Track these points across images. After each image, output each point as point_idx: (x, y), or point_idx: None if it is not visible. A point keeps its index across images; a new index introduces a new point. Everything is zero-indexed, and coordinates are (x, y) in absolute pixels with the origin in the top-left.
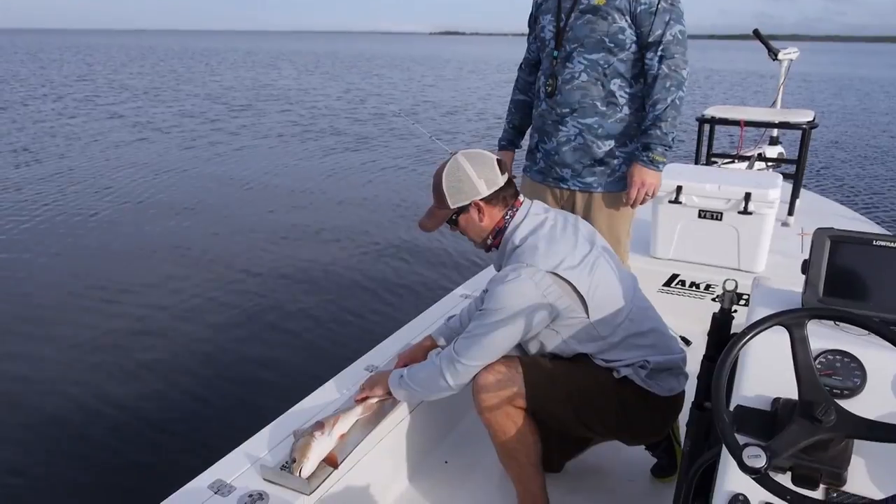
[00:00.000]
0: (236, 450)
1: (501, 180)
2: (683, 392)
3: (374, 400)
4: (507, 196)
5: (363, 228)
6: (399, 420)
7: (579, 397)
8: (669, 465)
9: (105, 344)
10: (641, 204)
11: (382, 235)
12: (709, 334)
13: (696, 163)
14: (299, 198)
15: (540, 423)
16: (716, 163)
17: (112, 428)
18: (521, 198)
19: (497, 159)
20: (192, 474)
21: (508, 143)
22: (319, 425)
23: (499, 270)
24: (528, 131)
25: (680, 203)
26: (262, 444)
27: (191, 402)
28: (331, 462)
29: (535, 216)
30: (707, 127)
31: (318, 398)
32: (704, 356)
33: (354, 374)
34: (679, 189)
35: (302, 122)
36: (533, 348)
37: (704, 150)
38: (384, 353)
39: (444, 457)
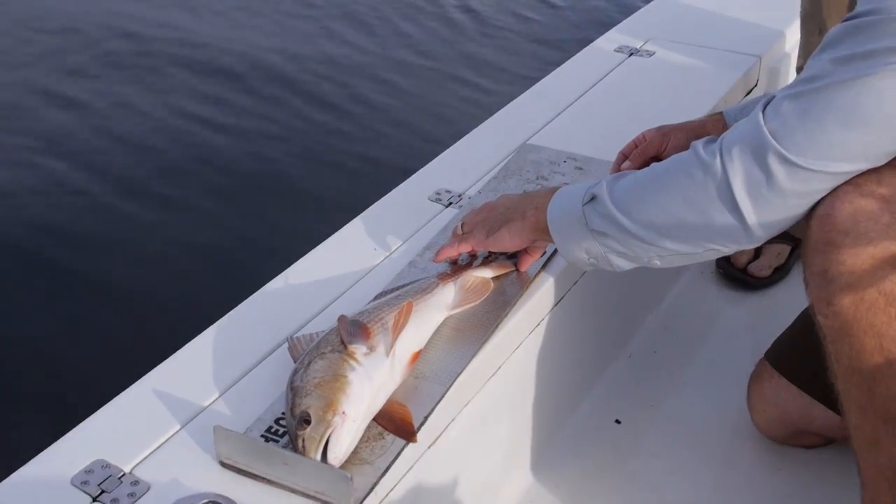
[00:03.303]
0: (141, 382)
1: None
2: None
3: (486, 272)
4: None
5: None
6: (535, 323)
7: None
8: None
9: None
10: None
11: None
12: None
13: None
14: None
15: None
16: None
17: None
18: None
19: None
20: (36, 448)
21: None
22: (360, 330)
23: None
24: None
25: None
26: (211, 374)
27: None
28: (399, 426)
29: None
30: None
31: (340, 260)
32: None
33: (416, 206)
34: None
35: None
36: None
37: None
38: (467, 165)
39: (614, 411)
